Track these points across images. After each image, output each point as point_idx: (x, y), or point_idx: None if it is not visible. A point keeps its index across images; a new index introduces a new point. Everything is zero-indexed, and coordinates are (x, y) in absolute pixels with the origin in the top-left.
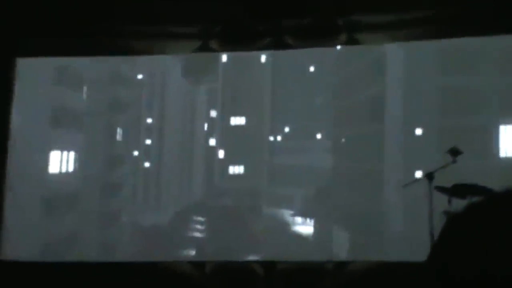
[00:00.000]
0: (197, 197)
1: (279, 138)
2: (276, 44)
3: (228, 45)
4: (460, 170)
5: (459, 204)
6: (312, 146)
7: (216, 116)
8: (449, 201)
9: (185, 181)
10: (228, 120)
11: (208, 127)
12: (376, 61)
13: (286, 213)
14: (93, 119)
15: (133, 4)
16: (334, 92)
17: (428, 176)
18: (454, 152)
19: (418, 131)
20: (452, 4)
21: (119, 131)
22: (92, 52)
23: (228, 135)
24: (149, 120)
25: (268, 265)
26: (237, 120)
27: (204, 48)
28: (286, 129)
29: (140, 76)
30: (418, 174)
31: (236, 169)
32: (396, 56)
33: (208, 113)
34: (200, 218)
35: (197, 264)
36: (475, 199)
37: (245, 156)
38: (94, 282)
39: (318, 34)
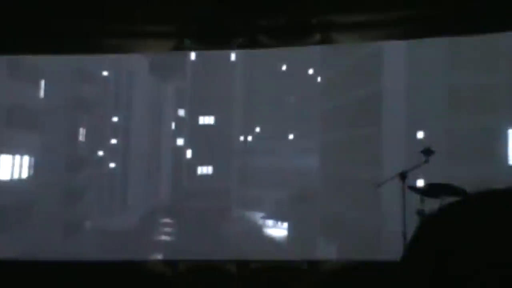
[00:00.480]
0: (165, 199)
1: (250, 138)
2: (250, 43)
3: (203, 44)
4: (472, 174)
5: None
6: (285, 147)
7: (184, 115)
8: (422, 201)
9: (152, 182)
10: (197, 119)
11: (176, 127)
12: (370, 56)
13: (257, 216)
14: (53, 118)
15: (108, 2)
16: (322, 91)
17: (401, 175)
18: (427, 152)
19: (420, 134)
20: (426, 4)
21: (82, 131)
22: (64, 50)
23: (197, 135)
24: (115, 119)
25: (242, 264)
26: (206, 120)
27: (180, 46)
28: (257, 129)
29: (105, 73)
30: (420, 182)
31: (204, 170)
32: (394, 51)
33: (176, 112)
34: (168, 220)
35: (170, 263)
36: (448, 199)
37: (214, 156)
38: (66, 280)
39: (292, 34)
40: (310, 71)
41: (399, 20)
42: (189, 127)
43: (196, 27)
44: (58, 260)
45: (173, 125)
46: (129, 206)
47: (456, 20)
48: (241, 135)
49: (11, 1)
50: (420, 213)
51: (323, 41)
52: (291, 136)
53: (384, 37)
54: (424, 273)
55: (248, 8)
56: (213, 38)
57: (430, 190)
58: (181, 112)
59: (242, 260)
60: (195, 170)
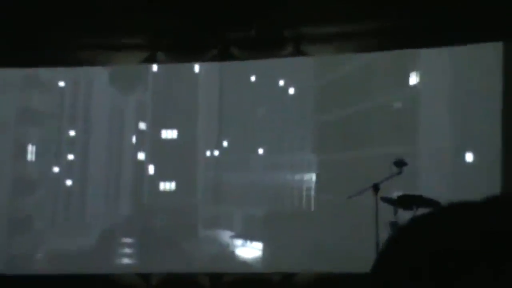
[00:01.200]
0: (125, 216)
1: (216, 153)
2: (223, 56)
3: (175, 57)
4: None
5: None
6: (255, 161)
7: (146, 128)
8: (395, 212)
9: (112, 199)
10: (159, 133)
11: (137, 141)
12: (358, 69)
13: (225, 234)
14: None
15: (78, 15)
16: (316, 102)
17: (374, 187)
18: (399, 163)
19: (469, 157)
20: (398, 16)
21: (31, 148)
22: (35, 63)
23: (159, 149)
24: (72, 133)
25: (215, 277)
26: (169, 133)
27: (151, 59)
28: (225, 143)
29: (62, 84)
30: None
31: (167, 186)
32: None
33: (137, 126)
34: (128, 240)
35: (143, 276)
36: (421, 210)
37: (177, 172)
38: None
39: (264, 46)
40: (281, 82)
41: (371, 32)
42: (150, 141)
43: (168, 41)
44: (28, 274)
45: (133, 139)
46: (88, 225)
47: (428, 31)
48: (207, 149)
49: None
50: (393, 225)
51: (295, 53)
52: (260, 151)
53: (357, 49)
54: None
55: (220, 21)
56: (185, 51)
57: (403, 202)
58: (142, 126)
59: (215, 273)
60: (157, 186)
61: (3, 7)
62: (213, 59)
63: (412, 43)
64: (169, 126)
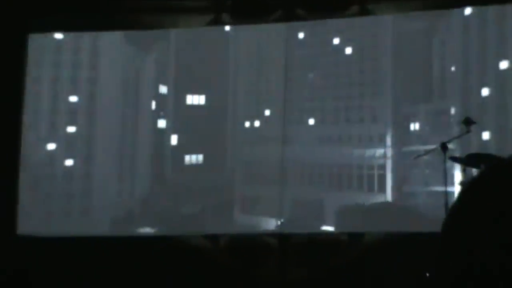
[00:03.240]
0: (143, 199)
1: (257, 123)
2: (288, 16)
3: (240, 18)
4: None
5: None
6: (305, 134)
7: (167, 92)
8: (464, 170)
9: (126, 176)
10: (183, 99)
11: (156, 106)
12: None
13: (269, 223)
14: None
15: None
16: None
17: (442, 146)
18: (468, 122)
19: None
20: None
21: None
22: (104, 27)
23: (183, 117)
24: (73, 99)
25: (283, 237)
26: (195, 99)
27: (217, 21)
28: (267, 112)
29: (59, 36)
30: None
31: (193, 159)
32: None
33: (157, 89)
34: (147, 230)
35: (211, 238)
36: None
37: (206, 143)
38: (109, 255)
39: (330, 6)
40: (336, 41)
41: None
42: (173, 108)
43: (232, 2)
44: (91, 235)
45: (153, 105)
46: (95, 209)
47: None
48: (244, 119)
49: None
50: (463, 184)
51: (360, 13)
52: (311, 121)
53: (425, 7)
54: (467, 243)
55: None
56: (250, 12)
57: (471, 160)
58: (163, 89)
59: (283, 234)
60: (181, 159)
61: None
62: (278, 19)
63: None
64: (195, 91)
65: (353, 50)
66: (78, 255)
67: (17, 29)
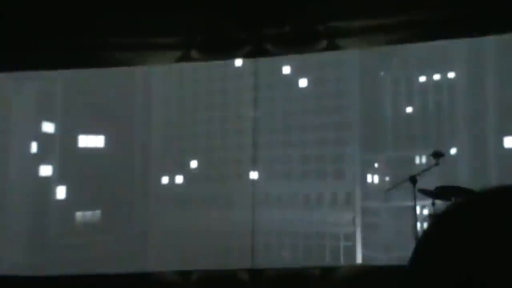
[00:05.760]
0: (15, 272)
1: (179, 179)
2: (257, 52)
3: (209, 54)
4: None
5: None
6: (246, 192)
7: (54, 131)
8: (433, 204)
9: None
10: (75, 140)
11: (39, 148)
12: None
13: None
14: None
15: (113, 16)
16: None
17: (412, 179)
18: (437, 155)
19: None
20: (429, 7)
21: None
22: (72, 65)
23: (75, 163)
24: None
25: (255, 273)
26: (90, 141)
27: (186, 58)
28: (193, 164)
29: None
30: None
31: (88, 216)
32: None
33: (39, 127)
34: None
35: (184, 273)
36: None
37: (105, 196)
38: None
39: (299, 41)
40: (286, 70)
41: (405, 24)
42: (62, 151)
43: (201, 38)
44: (64, 274)
45: (34, 147)
46: None
47: (458, 21)
48: (161, 171)
49: (18, 15)
50: (432, 216)
51: (328, 48)
52: (253, 175)
53: (390, 42)
54: (434, 277)
55: (254, 17)
56: (219, 49)
57: (441, 193)
58: (49, 127)
59: (255, 269)
60: (71, 217)
61: (38, 9)
62: (248, 55)
63: (444, 34)
64: (91, 131)
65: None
66: None
67: None
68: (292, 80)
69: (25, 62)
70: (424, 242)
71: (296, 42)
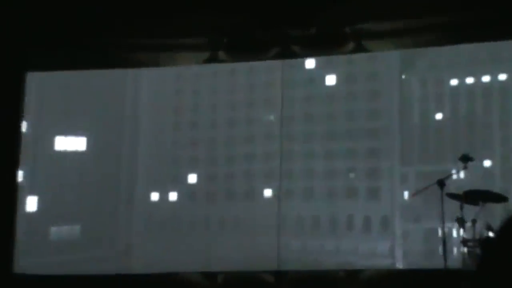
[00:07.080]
0: None
1: (173, 196)
2: (284, 53)
3: (236, 56)
4: None
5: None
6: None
7: (26, 131)
8: (461, 208)
9: None
10: (51, 142)
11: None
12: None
13: None
14: None
15: (142, 17)
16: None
17: (439, 183)
18: (465, 159)
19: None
20: (461, 9)
21: None
22: (100, 65)
23: (50, 168)
24: None
25: (279, 274)
26: (69, 143)
27: (213, 59)
28: (191, 178)
29: None
30: None
31: (64, 232)
32: None
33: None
34: None
35: (209, 275)
36: (487, 205)
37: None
38: None
39: (325, 43)
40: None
41: (432, 27)
42: (35, 154)
43: (229, 40)
44: (89, 274)
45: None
46: None
47: (491, 25)
48: (151, 187)
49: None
50: (459, 220)
51: (356, 50)
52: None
53: (418, 44)
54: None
55: (281, 19)
56: (246, 50)
57: (469, 197)
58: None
59: (280, 271)
60: (45, 234)
61: (68, 10)
62: (275, 57)
63: (473, 37)
64: (70, 131)
65: None
66: None
67: (15, 66)
68: (317, 76)
69: (57, 62)
70: (492, 249)
71: (323, 44)
